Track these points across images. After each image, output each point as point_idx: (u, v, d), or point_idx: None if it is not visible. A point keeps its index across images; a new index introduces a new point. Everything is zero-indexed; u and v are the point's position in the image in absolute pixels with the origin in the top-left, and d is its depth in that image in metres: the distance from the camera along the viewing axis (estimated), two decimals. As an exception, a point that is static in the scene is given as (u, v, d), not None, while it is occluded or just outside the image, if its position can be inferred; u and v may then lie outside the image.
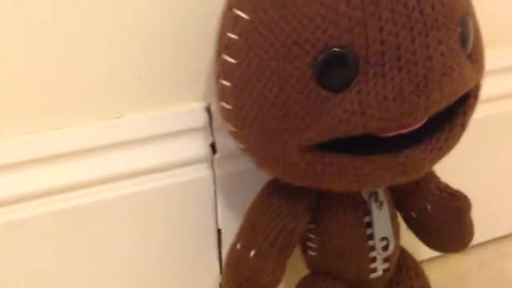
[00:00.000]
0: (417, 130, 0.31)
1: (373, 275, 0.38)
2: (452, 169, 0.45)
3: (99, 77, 0.37)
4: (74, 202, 0.38)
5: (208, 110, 0.40)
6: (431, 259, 0.52)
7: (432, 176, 0.39)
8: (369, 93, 0.28)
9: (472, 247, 0.53)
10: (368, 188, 0.36)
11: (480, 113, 0.48)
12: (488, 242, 0.55)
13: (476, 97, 0.34)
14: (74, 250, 0.39)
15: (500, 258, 0.53)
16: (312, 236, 0.38)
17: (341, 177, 0.31)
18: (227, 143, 0.39)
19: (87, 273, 0.40)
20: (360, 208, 0.37)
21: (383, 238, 0.37)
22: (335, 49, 0.28)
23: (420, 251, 0.47)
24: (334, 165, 0.31)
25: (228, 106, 0.32)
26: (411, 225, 0.41)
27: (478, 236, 0.53)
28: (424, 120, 0.30)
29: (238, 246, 0.37)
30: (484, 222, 0.53)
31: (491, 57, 0.48)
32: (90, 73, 0.37)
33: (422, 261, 0.52)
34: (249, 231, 0.37)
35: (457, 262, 0.53)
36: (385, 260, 0.38)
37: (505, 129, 0.50)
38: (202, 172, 0.41)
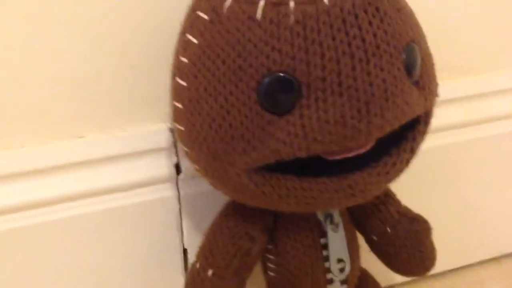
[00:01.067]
0: (365, 154, 0.31)
1: (330, 297, 0.38)
2: (422, 195, 0.46)
3: (64, 96, 0.38)
4: (36, 219, 0.38)
5: (172, 130, 0.41)
6: (404, 284, 0.52)
7: (392, 200, 0.40)
8: (311, 117, 0.29)
9: (446, 272, 0.54)
10: (319, 210, 0.36)
11: (455, 138, 0.49)
12: (460, 268, 0.54)
13: (426, 122, 0.34)
14: (36, 267, 0.39)
15: (473, 284, 0.53)
16: (270, 256, 0.38)
17: (290, 199, 0.32)
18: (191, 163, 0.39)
19: (49, 288, 0.40)
20: (315, 229, 0.37)
21: (339, 260, 0.38)
22: (279, 74, 0.29)
23: (393, 275, 0.47)
24: (281, 186, 0.32)
25: (181, 127, 0.33)
26: (373, 248, 0.41)
27: (452, 262, 0.54)
28: (370, 145, 0.31)
29: (197, 265, 0.37)
30: (457, 249, 0.53)
31: (462, 84, 0.49)
32: (56, 92, 0.38)
33: (394, 285, 0.53)
34: (207, 251, 0.37)
35: (430, 287, 0.53)
36: (343, 282, 0.38)
37: (475, 155, 0.51)
38: (167, 191, 0.42)
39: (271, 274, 0.39)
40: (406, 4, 0.33)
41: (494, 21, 0.50)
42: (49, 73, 0.37)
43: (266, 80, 0.29)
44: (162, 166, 0.41)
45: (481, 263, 0.55)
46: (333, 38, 0.29)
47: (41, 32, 0.36)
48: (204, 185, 0.41)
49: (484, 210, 0.54)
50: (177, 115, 0.33)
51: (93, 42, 0.38)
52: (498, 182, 0.53)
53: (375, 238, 0.40)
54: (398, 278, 0.52)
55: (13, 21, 0.36)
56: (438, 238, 0.40)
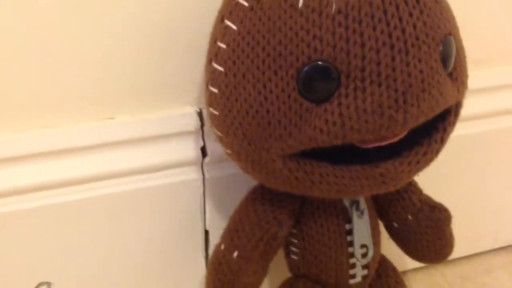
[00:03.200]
0: (397, 143, 0.32)
1: (352, 281, 0.39)
2: (439, 183, 0.47)
3: (95, 78, 0.38)
4: (67, 197, 0.39)
5: (200, 114, 0.41)
6: (416, 269, 0.54)
7: (414, 188, 0.40)
8: (349, 106, 0.29)
9: (457, 259, 0.55)
10: (348, 197, 0.37)
11: (469, 129, 0.50)
12: (472, 256, 0.56)
13: (456, 114, 0.35)
14: (64, 245, 0.40)
15: (483, 272, 0.54)
16: (294, 240, 0.39)
17: (322, 185, 0.33)
18: (217, 147, 0.40)
19: (75, 269, 0.41)
20: (341, 215, 0.38)
21: (363, 246, 0.38)
22: (318, 62, 0.29)
23: (406, 260, 0.49)
24: (315, 173, 0.32)
25: (216, 112, 0.33)
26: (393, 234, 0.42)
27: (463, 250, 0.55)
28: (403, 134, 0.32)
29: (222, 247, 0.38)
30: (470, 237, 0.54)
31: (481, 76, 0.50)
32: (86, 75, 0.38)
33: (407, 271, 0.54)
34: (233, 233, 0.38)
35: (441, 273, 0.54)
36: (364, 267, 0.39)
37: (492, 146, 0.51)
38: (192, 174, 0.42)
39: (294, 257, 0.40)
40: (443, -4, 0.33)
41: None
42: (80, 55, 0.38)
43: (306, 68, 0.29)
44: (188, 149, 0.42)
45: (491, 251, 0.56)
46: (374, 29, 0.29)
47: (73, 14, 0.37)
48: (229, 169, 0.42)
49: (495, 201, 0.54)
50: (212, 100, 0.33)
51: (125, 25, 0.38)
52: (511, 174, 0.54)
53: (396, 225, 0.41)
54: (411, 264, 0.53)
55: (47, 2, 0.36)
56: (452, 226, 0.41)
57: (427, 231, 0.40)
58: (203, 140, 0.42)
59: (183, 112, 0.41)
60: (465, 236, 0.53)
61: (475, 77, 0.48)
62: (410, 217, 0.40)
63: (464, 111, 0.48)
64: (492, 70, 0.50)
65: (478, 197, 0.53)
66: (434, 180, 0.47)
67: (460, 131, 0.49)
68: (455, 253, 0.51)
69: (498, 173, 0.53)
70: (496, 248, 0.57)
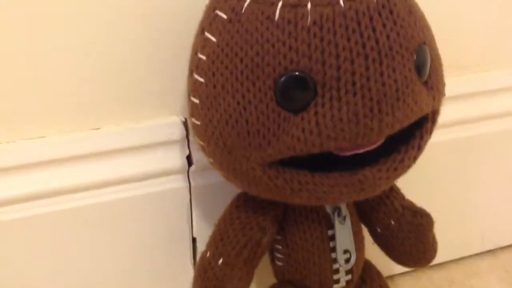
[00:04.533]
0: (374, 150, 0.32)
1: (336, 286, 0.40)
2: (425, 187, 0.47)
3: (80, 89, 0.39)
4: (53, 208, 0.39)
5: (185, 124, 0.42)
6: (403, 274, 0.54)
7: (396, 194, 0.41)
8: (326, 115, 0.30)
9: (444, 263, 0.55)
10: (328, 203, 0.38)
11: (454, 134, 0.50)
12: (459, 259, 0.56)
13: (433, 121, 0.35)
14: (50, 255, 0.40)
15: (470, 275, 0.55)
16: (278, 247, 0.40)
17: (302, 192, 0.33)
18: (202, 156, 0.40)
19: (62, 277, 0.41)
20: (323, 222, 0.38)
21: (346, 251, 0.39)
22: (295, 73, 0.30)
23: (393, 265, 0.49)
24: (294, 180, 0.33)
25: (197, 122, 0.34)
26: (377, 239, 0.42)
27: (451, 253, 0.55)
28: (380, 142, 0.32)
29: (208, 254, 0.38)
30: (457, 240, 0.55)
31: (464, 82, 0.51)
32: (71, 85, 0.39)
33: (394, 276, 0.54)
34: (218, 240, 0.38)
35: (429, 277, 0.54)
36: (348, 272, 0.40)
37: (476, 151, 0.52)
38: (178, 183, 0.43)
39: (279, 263, 0.40)
40: (417, 6, 0.34)
41: (496, 19, 0.51)
42: (65, 66, 0.38)
43: (283, 78, 0.30)
44: (174, 158, 0.42)
45: (478, 254, 0.57)
46: (348, 39, 0.30)
47: (58, 24, 0.37)
48: (214, 177, 0.43)
49: (481, 204, 0.55)
50: (194, 110, 0.34)
51: (110, 36, 0.39)
52: (496, 177, 0.54)
53: (379, 230, 0.41)
54: (398, 269, 0.53)
55: (32, 12, 0.37)
56: (437, 230, 0.41)
57: (410, 236, 0.40)
58: (189, 149, 0.42)
59: (169, 121, 0.42)
60: (452, 239, 0.53)
61: (457, 83, 0.50)
62: (392, 222, 0.40)
63: (451, 116, 0.49)
64: (472, 76, 0.51)
65: (464, 201, 0.54)
66: (420, 185, 0.48)
67: (445, 135, 0.50)
68: (442, 257, 0.52)
69: (484, 176, 0.54)
70: (483, 251, 0.57)
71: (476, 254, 0.57)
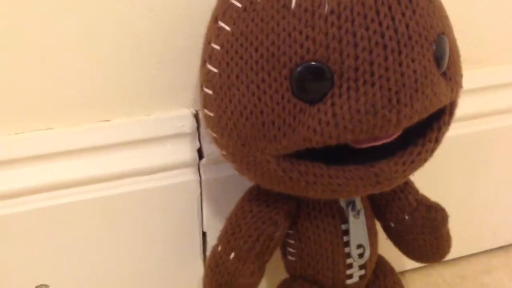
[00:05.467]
0: (391, 143, 0.32)
1: (349, 281, 0.39)
2: (438, 184, 0.47)
3: (91, 81, 0.39)
4: (64, 200, 0.39)
5: (196, 116, 0.41)
6: (414, 270, 0.53)
7: (411, 188, 0.40)
8: (343, 106, 0.29)
9: (455, 259, 0.55)
10: (343, 197, 0.37)
11: (468, 129, 0.50)
12: (471, 256, 0.56)
13: (451, 113, 0.35)
14: (61, 248, 0.40)
15: (481, 272, 0.54)
16: (291, 241, 0.39)
17: (316, 185, 0.33)
18: (213, 149, 0.40)
19: (72, 271, 0.41)
20: (337, 216, 0.38)
21: (359, 246, 0.38)
22: (311, 63, 0.29)
23: (404, 261, 0.49)
24: (309, 173, 0.32)
25: (210, 114, 0.33)
26: (390, 234, 0.42)
27: (462, 250, 0.55)
28: (397, 134, 0.32)
29: (219, 248, 0.38)
30: (468, 236, 0.54)
31: (478, 75, 0.50)
32: (82, 77, 0.38)
33: (405, 271, 0.53)
34: (230, 235, 0.38)
35: (440, 273, 0.54)
36: (361, 267, 0.39)
37: (488, 146, 0.51)
38: (189, 176, 0.42)
39: (291, 258, 0.40)
40: (436, -5, 0.33)
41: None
42: (76, 58, 0.38)
43: (299, 68, 0.29)
44: (185, 151, 0.42)
45: (490, 251, 0.56)
46: (367, 28, 0.29)
47: (68, 17, 0.37)
48: (225, 171, 0.42)
49: (493, 201, 0.54)
50: (207, 101, 0.33)
51: (121, 27, 0.38)
52: (509, 173, 0.54)
53: (392, 225, 0.41)
54: (409, 265, 0.53)
55: (44, 3, 0.36)
56: (449, 226, 0.41)
57: (424, 231, 0.40)
58: (200, 142, 0.42)
59: (179, 114, 0.41)
60: (463, 236, 0.53)
61: (471, 77, 0.49)
62: (406, 217, 0.40)
63: (462, 111, 0.49)
64: (488, 69, 0.50)
65: (476, 197, 0.53)
66: (432, 179, 0.47)
67: (458, 130, 0.49)
68: (454, 253, 0.51)
69: (496, 172, 0.53)
70: (494, 247, 0.57)
71: (488, 251, 0.56)
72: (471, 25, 0.48)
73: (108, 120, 0.40)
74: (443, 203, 0.40)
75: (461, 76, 0.35)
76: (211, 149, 0.41)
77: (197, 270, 0.45)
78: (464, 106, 0.48)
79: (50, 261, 0.40)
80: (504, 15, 0.50)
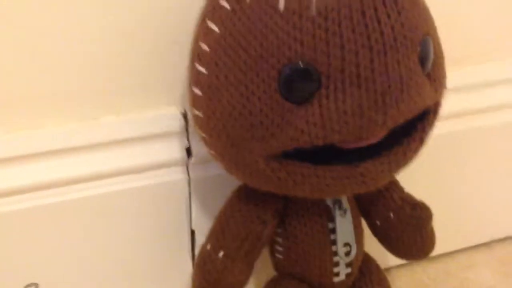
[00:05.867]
0: (377, 143, 0.32)
1: (336, 279, 0.40)
2: (420, 181, 0.47)
3: (78, 79, 0.39)
4: (53, 199, 0.39)
5: (184, 115, 0.42)
6: (399, 266, 0.54)
7: (396, 187, 0.41)
8: (330, 107, 0.30)
9: (439, 256, 0.55)
10: (330, 196, 0.38)
11: (450, 128, 0.51)
12: (454, 252, 0.56)
13: (435, 113, 0.35)
14: (50, 247, 0.40)
15: (465, 268, 0.55)
16: (279, 239, 0.40)
17: (304, 185, 0.33)
18: (202, 147, 0.40)
19: (62, 270, 0.41)
20: (324, 214, 0.38)
21: (346, 244, 0.39)
22: (299, 64, 0.30)
23: (389, 258, 0.49)
24: (297, 173, 0.33)
25: (199, 114, 0.34)
26: (375, 232, 0.42)
27: (446, 246, 0.55)
28: (383, 134, 0.32)
29: (208, 246, 0.38)
30: (452, 233, 0.55)
31: (462, 74, 0.50)
32: (69, 75, 0.38)
33: (390, 268, 0.54)
34: (218, 233, 0.38)
35: (424, 270, 0.55)
36: (348, 265, 0.40)
37: (472, 143, 0.52)
38: (178, 175, 0.42)
39: (279, 256, 0.40)
40: (421, -3, 0.34)
41: (495, 10, 0.51)
42: (64, 56, 0.38)
43: (287, 69, 0.30)
44: (173, 149, 0.42)
45: (473, 247, 0.57)
46: (353, 31, 0.29)
47: (58, 15, 0.37)
48: (214, 170, 0.43)
49: (477, 197, 0.55)
50: (195, 101, 0.34)
51: (108, 25, 0.38)
52: (492, 170, 0.55)
53: (378, 223, 0.41)
54: (394, 261, 0.53)
55: (33, 3, 0.36)
56: (433, 223, 0.41)
57: (409, 229, 0.40)
58: (188, 140, 0.42)
59: (168, 112, 0.41)
60: (447, 232, 0.53)
61: (455, 76, 0.50)
62: (391, 215, 0.41)
63: (446, 110, 0.49)
64: (470, 68, 0.51)
65: (459, 194, 0.54)
66: (416, 177, 0.48)
67: (440, 129, 0.50)
68: (438, 250, 0.52)
69: (479, 169, 0.54)
70: (478, 244, 0.57)
71: (471, 247, 0.57)
72: (453, 25, 0.49)
73: (97, 119, 0.40)
74: (427, 201, 0.41)
75: (445, 77, 0.36)
76: (199, 148, 0.42)
77: (186, 269, 0.45)
78: (449, 104, 0.48)
79: (39, 260, 0.40)
80: (487, 15, 0.50)
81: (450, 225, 0.54)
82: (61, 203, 0.39)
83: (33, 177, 0.38)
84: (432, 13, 0.35)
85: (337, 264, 0.39)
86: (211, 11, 0.33)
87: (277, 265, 0.41)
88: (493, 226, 0.58)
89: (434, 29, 0.34)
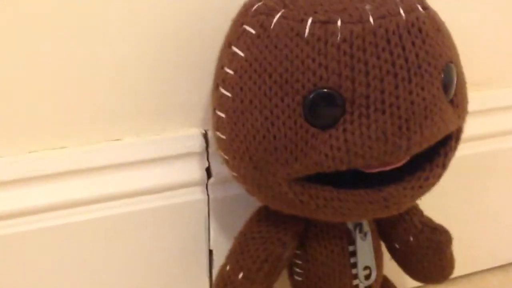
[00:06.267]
0: (400, 168, 0.32)
1: (354, 302, 0.40)
2: (437, 204, 0.47)
3: (102, 100, 0.39)
4: (74, 219, 0.39)
5: (205, 136, 0.42)
6: (415, 289, 0.54)
7: (416, 210, 0.41)
8: (354, 132, 0.30)
9: (456, 278, 0.55)
10: (352, 220, 0.38)
11: (467, 150, 0.50)
12: (471, 275, 0.56)
13: (457, 139, 0.36)
14: (67, 266, 0.40)
15: (481, 291, 0.55)
16: (298, 261, 0.40)
17: (326, 209, 0.33)
18: (222, 168, 0.40)
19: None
20: (345, 237, 0.38)
21: (366, 267, 0.39)
22: (324, 90, 0.30)
23: (405, 280, 0.49)
24: (319, 197, 0.33)
25: (222, 136, 0.34)
26: (394, 255, 0.42)
27: (462, 269, 0.55)
28: (406, 159, 0.32)
29: (227, 268, 0.38)
30: (468, 256, 0.54)
31: (480, 98, 0.51)
32: (94, 96, 0.39)
33: (407, 290, 0.54)
34: (238, 254, 0.38)
35: (442, 292, 0.54)
36: (367, 288, 0.40)
37: (490, 167, 0.52)
38: (197, 195, 0.43)
39: (298, 278, 0.40)
40: (444, 24, 0.34)
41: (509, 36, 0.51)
42: (88, 77, 0.38)
43: (312, 95, 0.30)
44: (193, 170, 0.42)
45: (489, 270, 0.57)
46: (378, 57, 0.30)
47: (79, 35, 0.37)
48: (233, 190, 0.43)
49: (493, 220, 0.55)
50: (219, 125, 0.34)
51: (131, 46, 0.39)
52: (508, 193, 0.54)
53: (397, 246, 0.41)
54: (411, 284, 0.53)
55: (56, 23, 0.37)
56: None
57: (428, 252, 0.40)
58: (208, 161, 0.42)
59: (189, 133, 0.42)
60: (463, 255, 0.53)
61: (474, 99, 0.50)
62: (411, 238, 0.40)
63: (465, 132, 0.49)
64: (491, 92, 0.51)
65: (476, 216, 0.54)
66: (434, 200, 0.47)
67: (460, 151, 0.50)
68: (454, 272, 0.52)
69: (495, 191, 0.54)
70: (494, 266, 0.57)
71: (487, 270, 0.57)
72: (474, 49, 0.49)
73: (119, 139, 0.41)
74: (444, 224, 0.41)
75: (467, 102, 0.36)
76: (219, 169, 0.42)
77: (203, 288, 0.45)
78: (467, 127, 0.48)
79: (57, 280, 0.40)
80: (507, 39, 0.51)
81: (467, 248, 0.54)
82: (80, 223, 0.40)
83: (54, 197, 0.39)
84: (454, 38, 0.35)
85: (356, 287, 0.39)
86: (236, 36, 0.33)
87: (295, 286, 0.41)
88: (509, 249, 0.57)
89: (457, 56, 0.34)
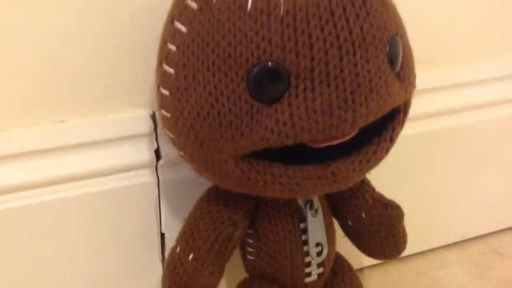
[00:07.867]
0: (347, 142, 0.32)
1: (308, 280, 0.40)
2: (390, 183, 0.48)
3: (45, 81, 0.38)
4: (18, 203, 0.38)
5: (153, 117, 0.41)
6: (372, 266, 0.54)
7: (367, 187, 0.41)
8: (299, 106, 0.30)
9: (412, 255, 0.56)
10: (301, 196, 0.37)
11: (420, 128, 0.51)
12: (426, 252, 0.57)
13: (405, 113, 0.35)
14: (14, 252, 0.39)
15: (437, 267, 0.55)
16: (250, 241, 0.39)
17: (275, 185, 0.33)
18: (171, 149, 0.40)
19: (27, 274, 0.40)
20: (296, 215, 0.38)
21: (317, 244, 0.39)
22: (268, 64, 0.29)
23: (361, 258, 0.49)
24: (267, 173, 0.32)
25: (167, 114, 0.33)
26: (347, 232, 0.42)
27: (418, 246, 0.56)
28: (353, 133, 0.32)
29: (178, 249, 0.38)
30: (424, 233, 0.55)
31: (426, 76, 0.51)
32: (37, 77, 0.38)
33: (363, 268, 0.54)
34: (188, 235, 0.38)
35: (397, 269, 0.55)
36: (320, 265, 0.40)
37: (442, 143, 0.53)
38: (147, 177, 0.42)
39: (250, 257, 0.40)
40: (390, -3, 0.34)
41: (466, 12, 0.51)
42: (30, 57, 0.37)
43: (256, 69, 0.30)
44: (142, 152, 0.41)
45: (445, 247, 0.58)
46: (322, 30, 0.29)
47: (21, 15, 0.36)
48: (183, 172, 0.42)
49: (448, 197, 0.56)
50: (163, 102, 0.33)
51: (74, 26, 0.38)
52: (462, 170, 0.55)
53: (350, 223, 0.41)
54: (366, 261, 0.53)
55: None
56: (405, 223, 0.41)
57: (380, 228, 0.41)
58: (157, 142, 0.42)
59: (136, 114, 0.41)
60: (419, 232, 0.54)
61: (425, 77, 0.50)
62: (363, 214, 0.41)
63: (414, 110, 0.50)
64: (441, 69, 0.51)
65: (431, 193, 0.55)
66: (387, 177, 0.48)
67: (411, 129, 0.50)
68: (410, 249, 0.52)
69: (450, 170, 0.55)
70: (449, 243, 0.58)
71: (443, 246, 0.58)
72: (423, 26, 0.49)
73: (63, 121, 0.39)
74: (398, 201, 0.41)
75: (414, 76, 0.36)
76: (168, 150, 0.41)
77: (156, 272, 0.44)
78: (419, 105, 0.49)
79: (4, 263, 0.39)
80: (456, 16, 0.51)
81: (422, 225, 0.55)
82: (25, 207, 0.38)
83: (-3, 180, 0.38)
84: (402, 15, 0.35)
85: (308, 264, 0.39)
86: (178, 11, 0.32)
87: (248, 266, 0.41)
88: (464, 226, 0.58)
89: (403, 29, 0.34)
